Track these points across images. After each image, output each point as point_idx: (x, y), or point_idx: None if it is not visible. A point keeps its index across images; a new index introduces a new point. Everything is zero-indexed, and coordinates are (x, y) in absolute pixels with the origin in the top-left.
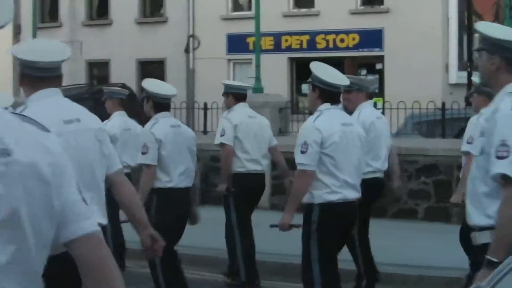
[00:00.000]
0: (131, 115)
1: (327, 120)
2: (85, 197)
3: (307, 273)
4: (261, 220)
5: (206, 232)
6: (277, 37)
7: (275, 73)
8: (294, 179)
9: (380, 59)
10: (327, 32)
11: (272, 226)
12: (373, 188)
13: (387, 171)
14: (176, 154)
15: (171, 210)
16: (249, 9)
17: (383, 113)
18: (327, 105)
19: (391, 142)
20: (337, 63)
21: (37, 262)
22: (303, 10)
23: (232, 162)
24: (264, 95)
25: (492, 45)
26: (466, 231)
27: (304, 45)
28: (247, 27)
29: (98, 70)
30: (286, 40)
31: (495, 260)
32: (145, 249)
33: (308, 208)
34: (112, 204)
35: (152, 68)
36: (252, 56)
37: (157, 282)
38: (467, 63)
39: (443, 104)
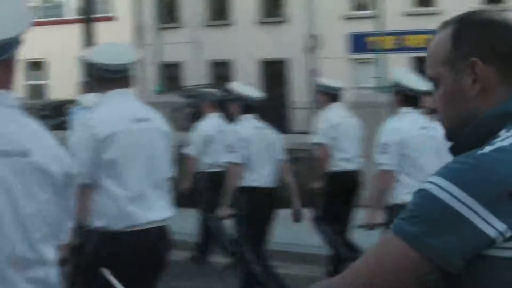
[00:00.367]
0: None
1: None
2: (152, 194)
3: None
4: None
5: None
6: (399, 36)
7: None
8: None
9: None
10: None
11: (360, 226)
12: None
13: None
14: (262, 154)
15: (256, 209)
16: (371, 8)
17: None
18: (408, 109)
19: None
20: None
21: None
22: (425, 9)
23: (328, 161)
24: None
25: None
26: None
27: (426, 44)
28: (368, 26)
29: (220, 70)
30: (408, 39)
31: None
32: None
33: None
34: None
35: (273, 68)
36: (373, 56)
37: (245, 280)
38: None
39: None
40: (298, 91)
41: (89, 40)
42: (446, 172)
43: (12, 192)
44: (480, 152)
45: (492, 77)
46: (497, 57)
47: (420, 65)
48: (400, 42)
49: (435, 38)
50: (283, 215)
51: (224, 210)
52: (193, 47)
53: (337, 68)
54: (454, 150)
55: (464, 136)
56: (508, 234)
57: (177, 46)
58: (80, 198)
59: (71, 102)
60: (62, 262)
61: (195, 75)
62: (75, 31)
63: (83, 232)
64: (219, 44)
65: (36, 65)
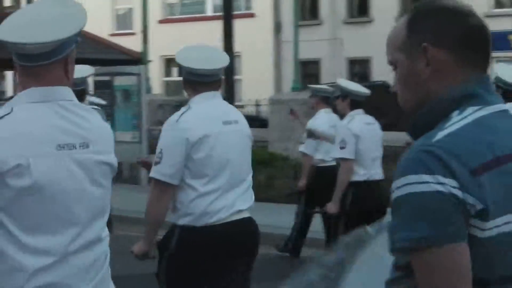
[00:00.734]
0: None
1: None
2: (236, 192)
3: None
4: None
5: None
6: None
7: None
8: None
9: None
10: None
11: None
12: None
13: None
14: (373, 149)
15: (366, 203)
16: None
17: None
18: None
19: None
20: None
21: None
22: None
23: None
24: None
25: None
26: None
27: None
28: (509, 24)
29: (359, 67)
30: None
31: None
32: None
33: None
34: None
35: None
36: None
37: None
38: None
39: None
40: None
41: (228, 37)
42: (406, 168)
43: (82, 181)
44: (434, 139)
45: (446, 61)
46: (449, 42)
47: None
48: None
49: (394, 26)
50: None
51: (333, 206)
52: (332, 44)
53: None
54: (412, 133)
55: (418, 117)
56: (479, 207)
57: (315, 43)
58: (161, 196)
59: None
60: (143, 256)
61: (333, 73)
62: (214, 28)
63: (169, 229)
64: (358, 41)
65: (174, 62)
